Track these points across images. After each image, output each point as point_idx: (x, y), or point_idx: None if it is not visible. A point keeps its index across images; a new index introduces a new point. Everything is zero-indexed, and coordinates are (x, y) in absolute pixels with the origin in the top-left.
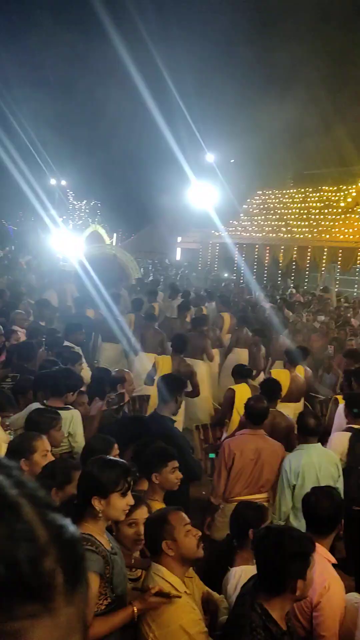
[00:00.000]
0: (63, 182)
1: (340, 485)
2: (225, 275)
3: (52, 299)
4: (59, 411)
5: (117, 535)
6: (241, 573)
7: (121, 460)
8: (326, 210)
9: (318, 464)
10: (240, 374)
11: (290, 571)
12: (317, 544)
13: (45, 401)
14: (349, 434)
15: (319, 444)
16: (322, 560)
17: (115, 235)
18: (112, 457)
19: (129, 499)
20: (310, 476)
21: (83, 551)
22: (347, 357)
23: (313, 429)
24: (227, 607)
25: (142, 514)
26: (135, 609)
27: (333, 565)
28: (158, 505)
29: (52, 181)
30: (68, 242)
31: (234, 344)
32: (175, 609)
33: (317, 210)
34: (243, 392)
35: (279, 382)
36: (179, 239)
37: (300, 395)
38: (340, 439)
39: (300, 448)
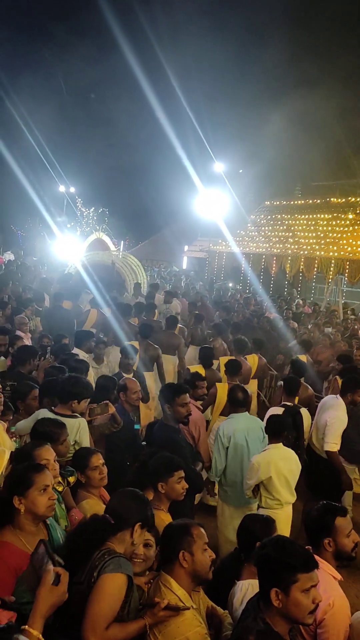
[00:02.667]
0: (72, 189)
1: (265, 444)
2: (230, 285)
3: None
4: (66, 419)
5: None
6: (248, 587)
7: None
8: (334, 222)
9: (246, 429)
10: (204, 358)
11: (270, 580)
12: (322, 561)
13: (53, 407)
14: (282, 409)
15: (247, 412)
16: (327, 576)
17: (122, 242)
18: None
19: None
20: (240, 438)
21: None
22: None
23: (241, 401)
24: (231, 623)
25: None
26: (146, 623)
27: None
28: (163, 515)
29: (61, 188)
30: (73, 248)
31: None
32: (182, 621)
33: (325, 222)
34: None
35: (240, 363)
36: (186, 247)
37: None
38: (274, 413)
39: (231, 417)
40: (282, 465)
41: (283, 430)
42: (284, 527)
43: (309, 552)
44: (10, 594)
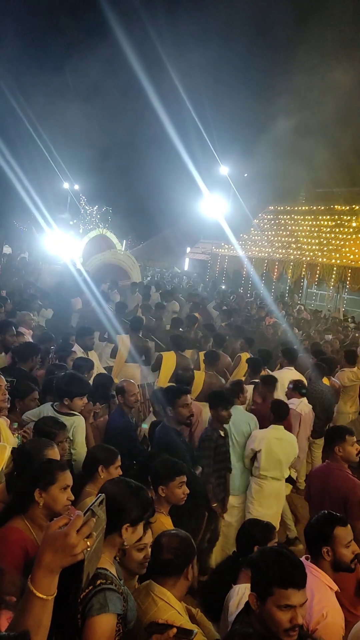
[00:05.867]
0: (76, 187)
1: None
2: (223, 287)
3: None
4: (64, 416)
5: (122, 560)
6: (244, 590)
7: (143, 486)
8: (337, 230)
9: (233, 422)
10: (175, 344)
11: (252, 584)
12: (319, 570)
13: (54, 404)
14: (252, 386)
15: (241, 407)
16: (323, 586)
17: (124, 242)
18: (137, 484)
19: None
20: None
21: None
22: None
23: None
24: (208, 622)
25: (149, 537)
26: None
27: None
28: (163, 517)
29: (65, 185)
30: (70, 244)
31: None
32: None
33: (328, 229)
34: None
35: (218, 354)
36: (188, 249)
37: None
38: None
39: None
40: (274, 444)
41: (285, 414)
42: (266, 499)
43: (299, 570)
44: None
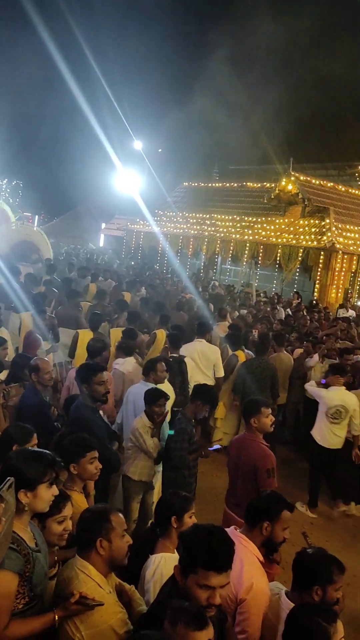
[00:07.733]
0: None
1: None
2: (132, 263)
3: None
4: None
5: (42, 531)
6: (160, 559)
7: (45, 450)
8: (250, 206)
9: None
10: (92, 322)
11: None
12: (249, 541)
13: None
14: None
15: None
16: (252, 557)
17: (37, 217)
18: (35, 449)
19: (54, 490)
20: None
21: None
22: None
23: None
24: (140, 598)
25: (69, 510)
26: (56, 616)
27: None
28: (77, 495)
29: None
30: None
31: None
32: (105, 609)
33: (241, 206)
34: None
35: (136, 332)
36: (103, 225)
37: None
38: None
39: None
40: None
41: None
42: None
43: (226, 554)
44: None
